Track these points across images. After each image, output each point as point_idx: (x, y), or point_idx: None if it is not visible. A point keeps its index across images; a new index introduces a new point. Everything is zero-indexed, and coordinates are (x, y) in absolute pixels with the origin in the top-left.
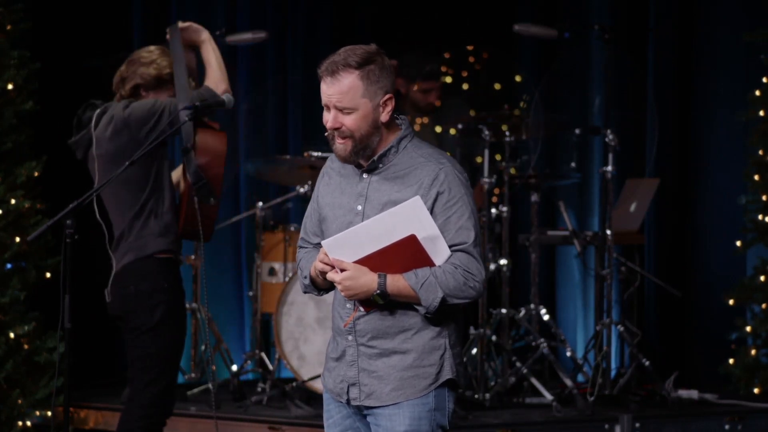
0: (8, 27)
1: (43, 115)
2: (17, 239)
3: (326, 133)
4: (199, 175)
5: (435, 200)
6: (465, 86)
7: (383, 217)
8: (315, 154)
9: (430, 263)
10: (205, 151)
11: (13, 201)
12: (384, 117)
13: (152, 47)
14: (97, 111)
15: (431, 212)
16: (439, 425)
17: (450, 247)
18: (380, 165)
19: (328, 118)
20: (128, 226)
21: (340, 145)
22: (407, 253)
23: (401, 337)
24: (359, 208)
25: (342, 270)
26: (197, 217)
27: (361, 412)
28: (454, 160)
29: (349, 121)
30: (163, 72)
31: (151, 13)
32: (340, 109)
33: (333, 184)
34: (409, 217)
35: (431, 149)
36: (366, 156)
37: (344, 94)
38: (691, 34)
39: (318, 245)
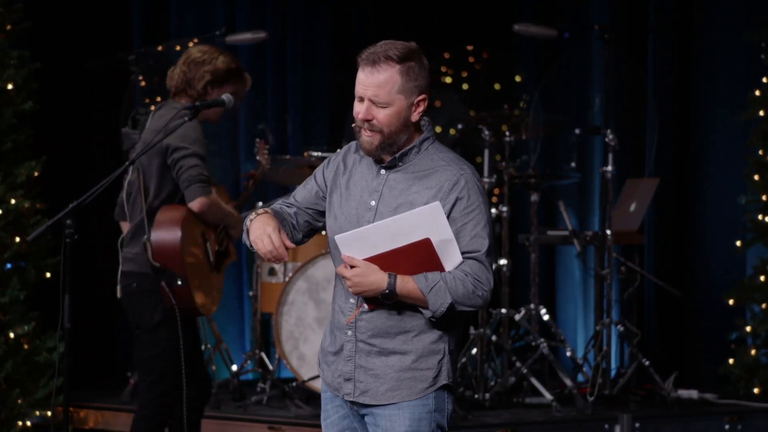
0: (8, 27)
1: (43, 115)
2: (17, 239)
3: (353, 124)
4: (154, 267)
5: (453, 205)
6: (465, 86)
7: (401, 218)
8: (315, 154)
9: (440, 268)
10: (159, 225)
11: (13, 201)
12: (415, 117)
13: (203, 47)
14: (156, 110)
15: (448, 217)
16: (438, 426)
17: (462, 254)
18: (400, 163)
19: (360, 109)
20: (134, 231)
21: (367, 137)
22: (419, 256)
23: (402, 338)
24: (372, 203)
25: (352, 267)
26: (171, 300)
27: (359, 412)
28: (474, 168)
29: (381, 115)
30: (231, 65)
31: (151, 13)
32: (375, 103)
33: (348, 174)
34: (427, 221)
35: (453, 154)
36: (390, 152)
37: (381, 87)
38: (691, 34)
39: (290, 206)
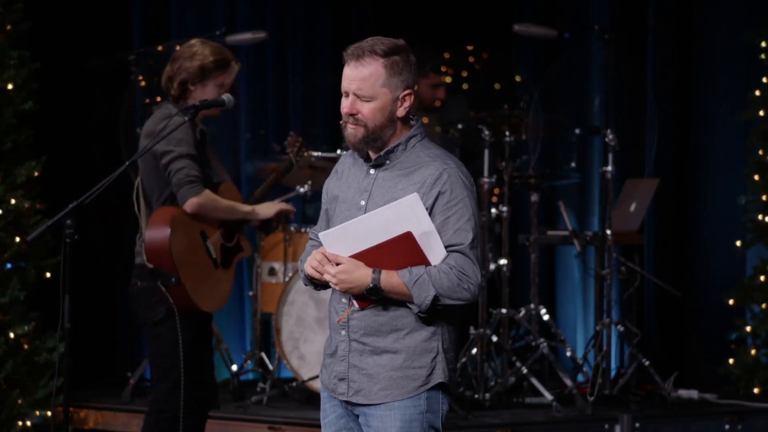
0: (8, 27)
1: (43, 115)
2: (17, 239)
3: (341, 121)
4: (149, 268)
5: (436, 199)
6: (465, 86)
7: (380, 212)
8: (315, 154)
9: (425, 262)
10: (150, 225)
11: (13, 201)
12: (401, 112)
13: (192, 41)
14: (154, 112)
15: (431, 212)
16: (431, 426)
17: (447, 247)
18: (387, 161)
19: (345, 104)
20: (142, 230)
21: (351, 130)
22: (403, 251)
23: (393, 336)
24: (362, 203)
25: (338, 264)
26: (169, 299)
27: (353, 412)
28: (461, 164)
29: (366, 109)
30: (206, 61)
31: (151, 13)
32: (359, 96)
33: (342, 179)
34: (406, 214)
35: (439, 150)
36: (376, 147)
37: (365, 80)
38: (691, 34)
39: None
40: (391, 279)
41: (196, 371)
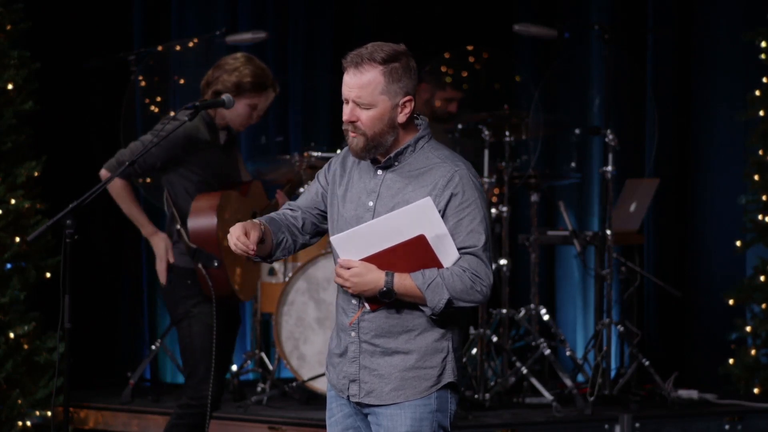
0: (8, 27)
1: (43, 115)
2: (17, 239)
3: (343, 127)
4: (189, 247)
5: (448, 202)
6: (465, 86)
7: (393, 215)
8: (315, 154)
9: (438, 264)
10: (194, 213)
11: (13, 201)
12: (401, 118)
13: (239, 54)
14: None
15: (443, 214)
16: (440, 426)
17: (459, 249)
18: (396, 163)
19: (346, 111)
20: (167, 225)
21: (353, 139)
22: (416, 253)
23: (405, 337)
24: (370, 204)
25: (349, 267)
26: (207, 282)
27: (363, 411)
28: (470, 165)
29: (365, 117)
30: (244, 80)
31: (151, 13)
32: (358, 104)
33: (348, 176)
34: (419, 217)
35: (448, 152)
36: (380, 153)
37: (364, 88)
38: (691, 34)
39: (294, 210)
40: (404, 282)
41: (216, 369)
